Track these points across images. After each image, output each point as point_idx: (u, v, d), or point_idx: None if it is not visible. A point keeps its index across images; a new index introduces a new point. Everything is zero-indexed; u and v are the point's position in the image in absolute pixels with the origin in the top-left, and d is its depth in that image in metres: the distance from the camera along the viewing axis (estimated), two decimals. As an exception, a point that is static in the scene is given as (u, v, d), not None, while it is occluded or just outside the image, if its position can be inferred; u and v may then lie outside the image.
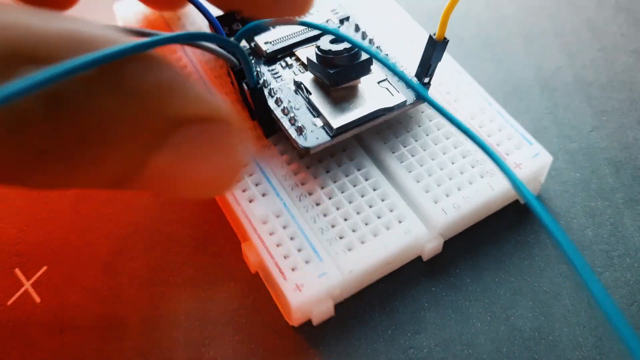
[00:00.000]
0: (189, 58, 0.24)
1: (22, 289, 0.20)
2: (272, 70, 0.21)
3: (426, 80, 0.21)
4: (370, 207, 0.20)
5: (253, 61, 0.22)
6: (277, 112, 0.20)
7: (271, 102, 0.20)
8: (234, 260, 0.20)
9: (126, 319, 0.19)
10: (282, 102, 0.20)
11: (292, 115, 0.20)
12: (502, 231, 0.21)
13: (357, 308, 0.19)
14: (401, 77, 0.16)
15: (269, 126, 0.21)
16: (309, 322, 0.19)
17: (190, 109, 0.12)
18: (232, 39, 0.17)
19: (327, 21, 0.23)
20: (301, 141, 0.19)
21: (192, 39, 0.15)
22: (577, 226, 0.21)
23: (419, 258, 0.20)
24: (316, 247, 0.19)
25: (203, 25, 0.25)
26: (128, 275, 0.20)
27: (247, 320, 0.19)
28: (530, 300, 0.20)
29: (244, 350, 0.19)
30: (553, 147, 0.23)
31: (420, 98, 0.19)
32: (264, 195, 0.20)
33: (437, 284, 0.20)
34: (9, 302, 0.19)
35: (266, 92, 0.20)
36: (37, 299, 0.20)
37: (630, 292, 0.20)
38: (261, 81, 0.20)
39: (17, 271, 0.20)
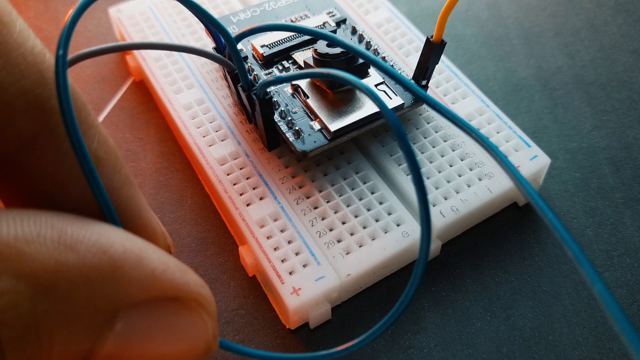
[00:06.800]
0: (185, 62, 0.24)
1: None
2: (269, 73, 0.22)
3: (423, 82, 0.21)
4: (368, 210, 0.20)
5: (249, 65, 0.22)
6: (275, 116, 0.20)
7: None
8: (234, 260, 0.21)
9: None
10: (279, 105, 0.20)
11: (289, 118, 0.20)
12: (502, 231, 0.21)
13: (357, 308, 0.20)
14: (399, 79, 0.16)
15: (272, 139, 0.21)
16: (308, 323, 0.19)
17: (132, 292, 0.11)
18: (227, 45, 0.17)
19: (323, 24, 0.23)
20: (299, 145, 0.19)
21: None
22: (577, 226, 0.21)
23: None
24: (314, 251, 0.19)
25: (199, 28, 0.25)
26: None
27: (247, 320, 0.19)
28: (530, 300, 0.20)
29: (244, 350, 0.19)
30: (553, 147, 0.23)
31: (420, 100, 0.19)
32: (261, 198, 0.20)
33: (437, 283, 0.20)
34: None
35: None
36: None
37: (630, 292, 0.20)
38: (256, 87, 0.20)
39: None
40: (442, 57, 0.23)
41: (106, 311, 0.11)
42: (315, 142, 0.19)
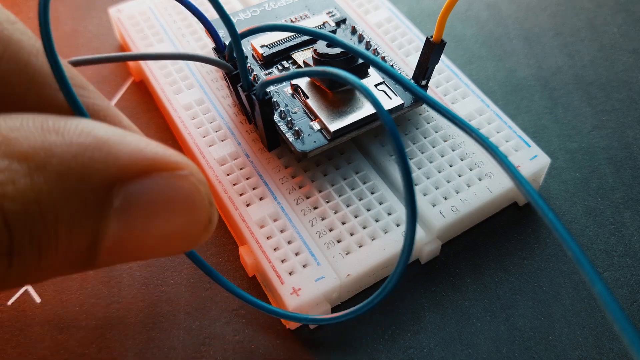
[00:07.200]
0: (184, 62, 0.24)
1: (23, 289, 0.20)
2: (269, 74, 0.21)
3: (423, 82, 0.21)
4: (368, 210, 0.20)
5: (249, 65, 0.22)
6: (274, 116, 0.20)
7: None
8: (234, 260, 0.21)
9: (126, 319, 0.19)
10: (279, 105, 0.20)
11: (289, 118, 0.20)
12: (502, 231, 0.21)
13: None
14: (399, 79, 0.16)
15: (272, 139, 0.21)
16: (308, 323, 0.19)
17: (122, 165, 0.11)
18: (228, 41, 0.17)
19: (323, 24, 0.23)
20: (298, 145, 0.19)
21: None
22: (577, 226, 0.21)
23: (418, 259, 0.20)
24: (313, 251, 0.19)
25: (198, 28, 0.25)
26: (128, 275, 0.20)
27: (247, 320, 0.19)
28: (530, 300, 0.20)
29: (244, 350, 0.19)
30: (553, 147, 0.23)
31: (420, 100, 0.19)
32: (261, 199, 0.20)
33: (437, 283, 0.20)
34: (10, 302, 0.20)
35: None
36: (38, 299, 0.20)
37: (630, 292, 0.20)
38: (256, 88, 0.20)
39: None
40: (442, 57, 0.23)
41: (100, 186, 0.11)
42: (315, 142, 0.19)
